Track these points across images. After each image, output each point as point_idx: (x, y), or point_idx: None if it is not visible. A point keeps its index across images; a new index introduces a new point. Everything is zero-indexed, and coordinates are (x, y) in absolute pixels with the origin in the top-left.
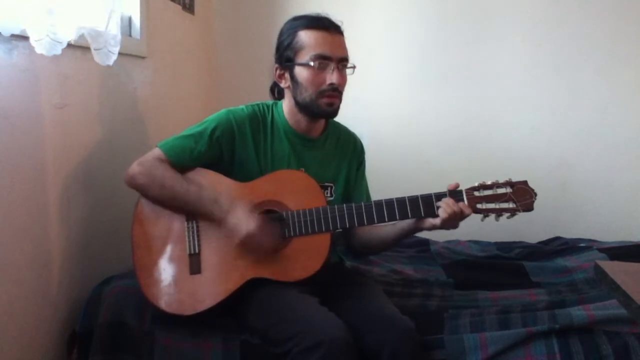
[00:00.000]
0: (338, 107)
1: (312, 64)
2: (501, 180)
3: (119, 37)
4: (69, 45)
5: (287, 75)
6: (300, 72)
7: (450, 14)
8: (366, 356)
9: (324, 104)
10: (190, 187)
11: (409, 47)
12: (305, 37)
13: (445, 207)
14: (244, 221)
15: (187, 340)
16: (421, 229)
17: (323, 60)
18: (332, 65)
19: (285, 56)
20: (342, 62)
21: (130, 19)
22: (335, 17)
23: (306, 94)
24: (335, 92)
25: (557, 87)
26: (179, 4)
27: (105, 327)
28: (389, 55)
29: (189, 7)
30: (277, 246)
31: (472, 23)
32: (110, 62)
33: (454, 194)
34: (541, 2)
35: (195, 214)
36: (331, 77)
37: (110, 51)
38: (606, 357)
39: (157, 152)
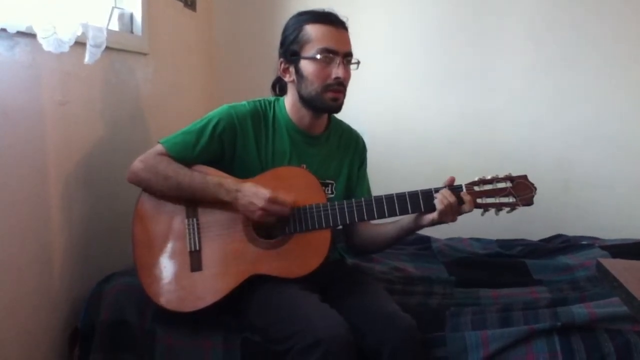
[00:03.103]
0: (342, 103)
1: (318, 57)
2: (501, 175)
3: (104, 34)
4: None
5: (291, 69)
6: (306, 66)
7: (451, 11)
8: (367, 354)
9: (328, 99)
10: (194, 174)
11: (410, 44)
12: (311, 30)
13: (441, 199)
14: (256, 193)
15: (188, 339)
16: (421, 226)
17: (329, 54)
18: (338, 60)
19: (291, 50)
20: (347, 57)
21: (132, 16)
22: (340, 13)
23: (311, 88)
24: (340, 87)
25: (558, 85)
26: (181, 1)
27: (106, 325)
28: (390, 52)
29: (190, 4)
30: (278, 242)
31: (473, 20)
32: (92, 61)
33: (454, 189)
34: (541, 1)
35: (202, 200)
36: (337, 72)
37: (91, 46)
38: (608, 355)
39: (159, 148)
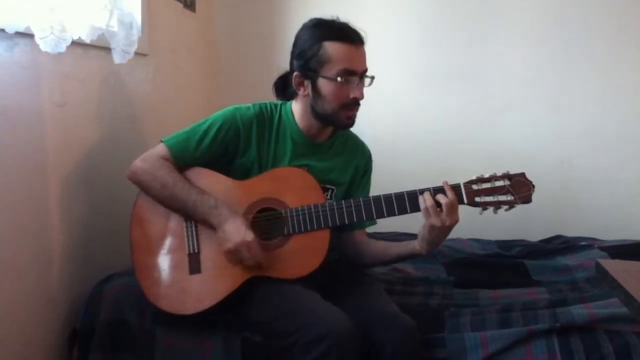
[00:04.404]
0: (355, 118)
1: (339, 79)
2: (499, 173)
3: (134, 36)
4: (70, 42)
5: (307, 83)
6: (325, 85)
7: (452, 12)
8: (367, 354)
9: (344, 117)
10: (192, 189)
11: (410, 46)
12: (331, 49)
13: (421, 201)
14: (237, 232)
15: (188, 339)
16: (425, 239)
17: (349, 75)
18: (356, 80)
19: (309, 66)
20: (364, 74)
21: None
22: (357, 26)
23: (328, 107)
24: (356, 105)
25: (558, 86)
26: (180, 1)
27: (106, 325)
28: (390, 54)
29: (190, 5)
30: (276, 243)
31: (473, 21)
32: (125, 61)
33: (452, 188)
34: (542, 2)
35: (191, 217)
36: (355, 92)
37: (124, 50)
38: (607, 356)
39: (161, 147)
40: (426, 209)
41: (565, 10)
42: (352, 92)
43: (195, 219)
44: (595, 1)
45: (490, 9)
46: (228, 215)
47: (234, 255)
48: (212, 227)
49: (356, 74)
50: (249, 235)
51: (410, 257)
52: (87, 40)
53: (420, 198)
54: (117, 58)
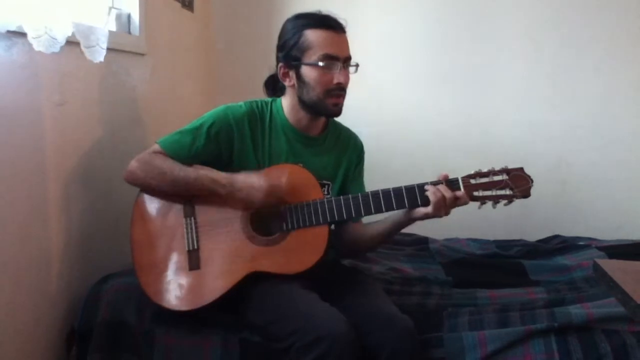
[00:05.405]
0: (342, 106)
1: (320, 64)
2: (497, 168)
3: (107, 33)
4: (68, 42)
5: (292, 74)
6: (308, 72)
7: (450, 12)
8: (366, 355)
9: (330, 104)
10: (188, 169)
11: (409, 46)
12: (312, 36)
13: (434, 191)
14: (252, 186)
15: (187, 338)
16: (414, 219)
17: (331, 60)
18: (339, 65)
19: (291, 55)
20: (347, 61)
21: (129, 16)
22: (338, 15)
23: (313, 94)
24: (342, 92)
25: (556, 85)
26: (178, 1)
27: (105, 325)
28: (388, 54)
29: (188, 5)
30: (275, 239)
31: (472, 21)
32: (102, 59)
33: (450, 182)
34: (540, 1)
35: (198, 195)
36: (339, 77)
37: (100, 47)
38: (604, 356)
39: (155, 148)
40: (442, 199)
41: (565, 9)
42: (335, 77)
43: (203, 193)
44: (594, 1)
45: (489, 9)
46: (230, 182)
47: (271, 199)
48: (221, 197)
49: (338, 59)
50: (260, 186)
51: (397, 230)
52: (60, 39)
53: (434, 188)
54: (90, 56)
